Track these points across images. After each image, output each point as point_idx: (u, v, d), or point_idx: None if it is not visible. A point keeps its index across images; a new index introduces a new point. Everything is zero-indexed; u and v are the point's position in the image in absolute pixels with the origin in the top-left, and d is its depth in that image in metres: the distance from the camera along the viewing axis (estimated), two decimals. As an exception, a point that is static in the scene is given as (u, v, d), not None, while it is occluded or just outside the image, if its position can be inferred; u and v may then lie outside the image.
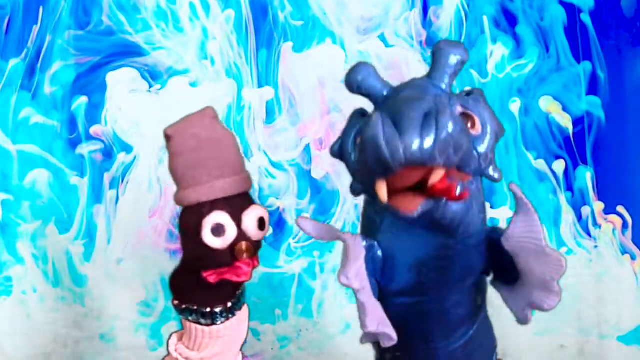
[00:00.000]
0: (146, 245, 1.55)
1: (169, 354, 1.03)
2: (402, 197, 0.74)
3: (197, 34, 1.59)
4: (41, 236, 1.54)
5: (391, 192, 0.75)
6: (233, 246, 0.93)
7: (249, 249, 0.93)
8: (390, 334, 0.79)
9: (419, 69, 1.56)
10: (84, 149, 1.55)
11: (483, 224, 0.83)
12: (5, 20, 1.55)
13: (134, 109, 1.56)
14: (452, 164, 0.73)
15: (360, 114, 0.86)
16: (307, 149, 1.60)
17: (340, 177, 1.56)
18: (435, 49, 0.82)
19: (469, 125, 0.78)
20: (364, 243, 0.83)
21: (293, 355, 1.58)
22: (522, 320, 0.84)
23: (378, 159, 0.71)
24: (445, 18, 1.62)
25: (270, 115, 1.59)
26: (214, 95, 1.57)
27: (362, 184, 0.83)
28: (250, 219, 0.94)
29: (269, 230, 0.98)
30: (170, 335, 1.04)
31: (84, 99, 1.55)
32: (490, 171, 0.81)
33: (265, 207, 0.98)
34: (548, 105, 1.63)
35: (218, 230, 0.92)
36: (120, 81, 1.56)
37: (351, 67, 0.84)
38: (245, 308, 1.02)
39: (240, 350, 1.05)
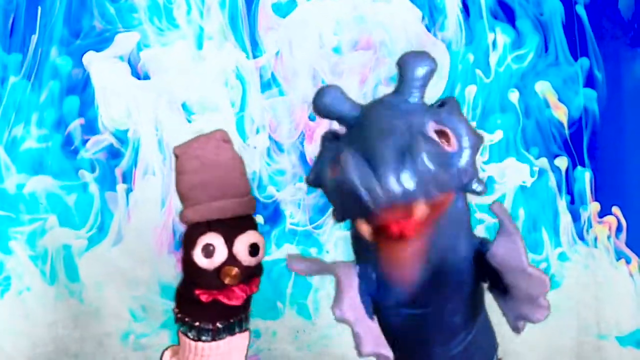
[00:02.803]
0: (149, 246, 1.55)
1: None
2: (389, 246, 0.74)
3: (193, 29, 1.59)
4: (41, 235, 1.54)
5: (375, 231, 0.75)
6: (221, 269, 0.94)
7: (235, 275, 0.94)
8: (386, 354, 0.80)
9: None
10: (86, 153, 1.55)
11: (471, 243, 0.84)
12: (10, 18, 1.55)
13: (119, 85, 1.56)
14: (432, 196, 0.72)
15: (331, 138, 0.85)
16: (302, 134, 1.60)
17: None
18: (400, 62, 0.80)
19: (444, 142, 0.76)
20: (357, 269, 0.83)
21: (291, 356, 1.58)
22: (515, 329, 0.85)
23: (356, 202, 0.70)
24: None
25: (265, 88, 1.59)
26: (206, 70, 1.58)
27: (343, 218, 0.82)
28: (242, 243, 0.95)
29: (262, 256, 0.98)
30: (164, 351, 1.05)
31: (80, 121, 1.55)
32: (473, 186, 0.80)
33: (261, 234, 0.99)
34: (545, 91, 1.63)
35: (207, 250, 0.94)
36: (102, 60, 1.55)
37: (317, 90, 0.82)
38: (242, 336, 1.01)
39: None
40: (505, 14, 1.63)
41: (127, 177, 1.55)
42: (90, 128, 1.55)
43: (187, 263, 0.96)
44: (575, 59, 1.63)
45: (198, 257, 0.94)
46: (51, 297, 1.54)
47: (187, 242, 0.96)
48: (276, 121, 1.58)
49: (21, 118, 1.54)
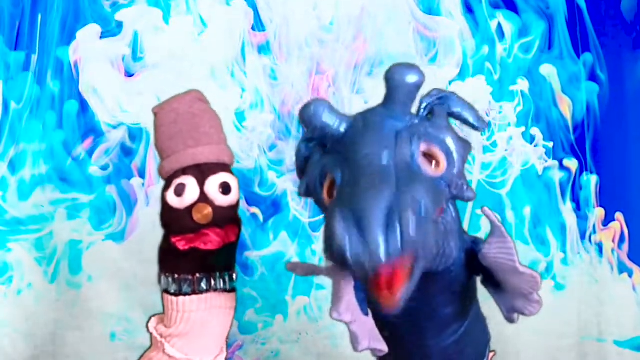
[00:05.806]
0: (153, 246, 1.55)
1: (151, 336, 1.05)
2: (378, 295, 0.73)
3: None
4: (47, 235, 1.55)
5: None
6: (192, 208, 0.96)
7: (207, 214, 0.95)
8: (380, 348, 0.81)
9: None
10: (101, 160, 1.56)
11: (463, 243, 0.84)
12: (16, 24, 1.56)
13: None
14: (419, 258, 0.71)
15: (320, 146, 0.85)
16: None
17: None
18: (387, 75, 0.80)
19: (433, 165, 0.77)
20: None
21: (294, 357, 1.58)
22: (509, 320, 0.86)
23: (346, 267, 0.70)
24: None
25: (265, 64, 1.60)
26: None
27: None
28: (213, 182, 0.97)
29: (236, 198, 0.99)
30: (150, 318, 1.05)
31: (87, 142, 1.57)
32: (464, 194, 0.81)
33: (236, 177, 1.01)
34: (550, 75, 1.63)
35: (179, 189, 0.96)
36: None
37: (304, 104, 0.82)
38: (227, 296, 1.01)
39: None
40: (508, 7, 1.64)
41: (141, 173, 1.57)
42: (95, 130, 1.57)
43: (163, 209, 0.99)
44: (578, 56, 1.63)
45: (170, 197, 0.96)
46: (52, 297, 1.54)
47: (163, 188, 0.99)
48: (275, 94, 1.60)
49: (26, 121, 1.56)
